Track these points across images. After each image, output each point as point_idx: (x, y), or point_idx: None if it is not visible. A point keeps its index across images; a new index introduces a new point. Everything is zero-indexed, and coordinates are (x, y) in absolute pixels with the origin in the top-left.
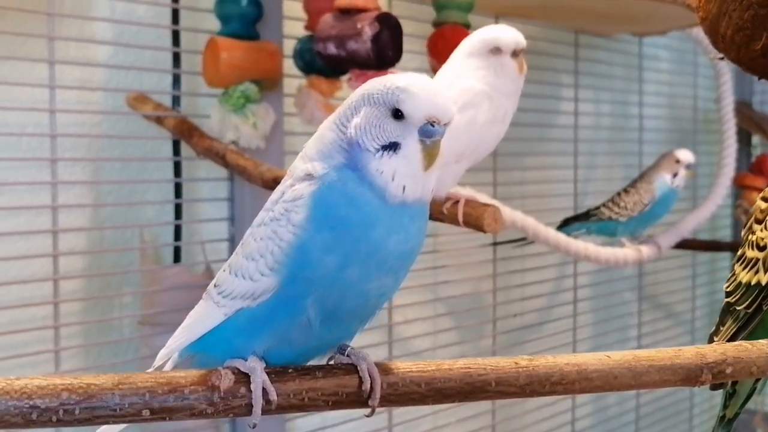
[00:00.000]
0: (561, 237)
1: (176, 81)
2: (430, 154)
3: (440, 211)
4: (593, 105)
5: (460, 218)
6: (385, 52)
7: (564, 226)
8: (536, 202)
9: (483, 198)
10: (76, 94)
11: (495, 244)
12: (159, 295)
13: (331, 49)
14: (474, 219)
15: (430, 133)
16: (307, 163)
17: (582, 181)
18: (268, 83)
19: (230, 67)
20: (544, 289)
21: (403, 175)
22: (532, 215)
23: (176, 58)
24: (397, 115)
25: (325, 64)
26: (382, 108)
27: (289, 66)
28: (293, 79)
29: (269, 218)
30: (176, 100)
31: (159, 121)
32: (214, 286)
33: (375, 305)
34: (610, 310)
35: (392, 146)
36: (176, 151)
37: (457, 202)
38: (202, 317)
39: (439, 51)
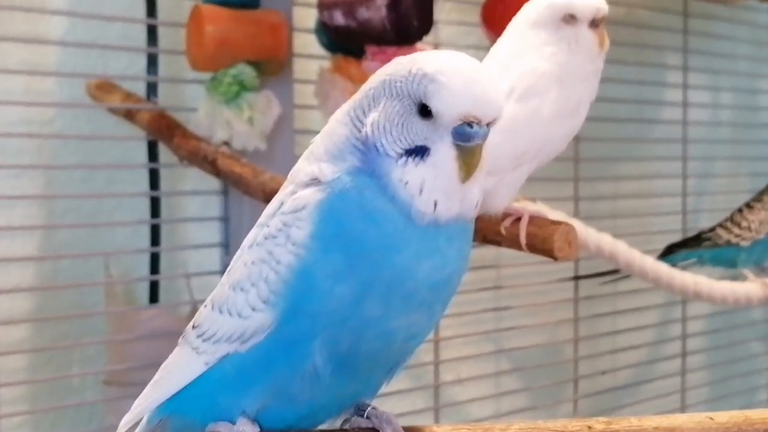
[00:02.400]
0: (663, 268)
1: (152, 63)
2: (467, 163)
3: (497, 231)
4: (709, 94)
5: (523, 240)
6: (407, 23)
7: (668, 253)
8: (632, 222)
9: (556, 215)
10: (21, 81)
11: (577, 278)
12: (130, 345)
13: (338, 18)
14: (541, 241)
15: (466, 136)
16: (313, 164)
17: (693, 195)
18: (271, 66)
19: (218, 44)
20: (643, 339)
21: (434, 189)
22: (626, 239)
23: (152, 33)
24: (425, 112)
25: (333, 39)
26: (405, 101)
27: (302, 43)
28: (310, 60)
29: (263, 236)
30: (152, 89)
31: (130, 115)
32: (193, 327)
33: (403, 350)
34: (730, 366)
35: (419, 151)
36: (152, 155)
37: (519, 219)
38: (178, 368)
39: (497, 21)
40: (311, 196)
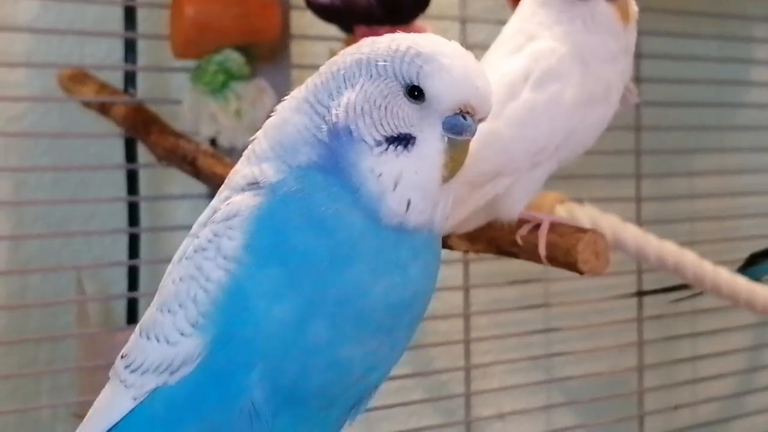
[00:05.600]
0: (741, 283)
1: (130, 49)
2: (455, 159)
3: (513, 241)
4: None
5: (542, 251)
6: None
7: (750, 264)
8: (712, 226)
9: (607, 219)
10: None
11: (640, 294)
12: (105, 373)
13: None
14: (563, 252)
15: (460, 128)
16: (253, 165)
17: None
18: (263, 50)
19: (201, 28)
20: (730, 366)
21: (411, 185)
22: (705, 247)
23: (130, 17)
24: (415, 94)
25: (321, 19)
26: (391, 82)
27: (304, 22)
28: (315, 42)
29: (193, 248)
30: (130, 79)
31: (104, 109)
32: (121, 357)
33: (363, 384)
34: None
35: (402, 139)
36: (130, 154)
37: (538, 226)
38: (105, 405)
39: None
40: (246, 201)
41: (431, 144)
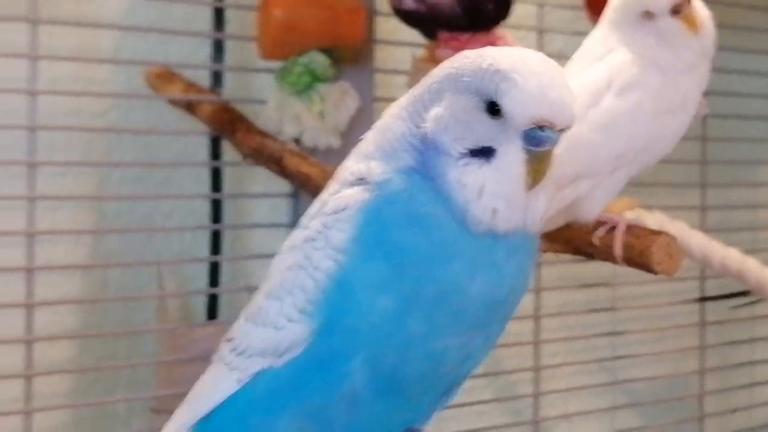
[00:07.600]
0: None
1: (218, 50)
2: (536, 169)
3: (589, 241)
4: None
5: (618, 251)
6: (480, 6)
7: None
8: None
9: (675, 225)
10: (70, 67)
11: (703, 300)
12: (183, 368)
13: (408, 2)
14: (638, 253)
15: (537, 140)
16: (361, 162)
17: None
18: (348, 53)
19: (287, 30)
20: None
21: (495, 194)
22: (766, 255)
23: (219, 17)
24: (494, 110)
25: (406, 24)
26: (473, 97)
27: (388, 28)
28: (397, 47)
29: (302, 239)
30: (217, 78)
31: (190, 108)
32: (227, 341)
33: (457, 372)
34: None
35: (484, 152)
36: (215, 152)
37: (614, 228)
38: (209, 386)
39: (600, 4)
40: (355, 196)
41: (511, 156)
